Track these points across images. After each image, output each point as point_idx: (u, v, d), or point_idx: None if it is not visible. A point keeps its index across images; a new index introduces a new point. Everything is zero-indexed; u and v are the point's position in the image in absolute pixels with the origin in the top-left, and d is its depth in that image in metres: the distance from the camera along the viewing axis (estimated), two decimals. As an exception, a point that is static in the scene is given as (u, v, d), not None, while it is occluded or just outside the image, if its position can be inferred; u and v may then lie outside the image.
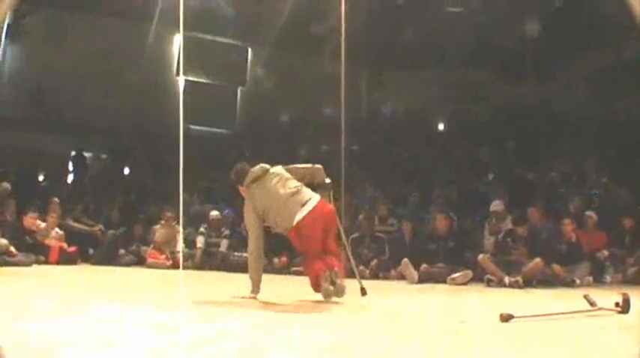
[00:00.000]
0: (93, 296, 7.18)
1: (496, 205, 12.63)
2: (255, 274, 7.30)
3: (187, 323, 4.96)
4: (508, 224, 11.96)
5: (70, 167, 21.57)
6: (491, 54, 21.37)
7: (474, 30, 20.90)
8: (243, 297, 7.16)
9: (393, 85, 25.65)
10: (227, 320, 5.40)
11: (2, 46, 23.21)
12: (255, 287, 7.24)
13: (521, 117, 20.48)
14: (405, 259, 11.60)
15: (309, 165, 7.76)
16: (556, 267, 10.98)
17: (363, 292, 7.39)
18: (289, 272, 12.76)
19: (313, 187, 7.61)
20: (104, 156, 23.10)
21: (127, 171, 22.25)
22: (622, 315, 5.98)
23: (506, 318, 5.43)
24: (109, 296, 7.20)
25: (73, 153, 21.64)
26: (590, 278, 11.30)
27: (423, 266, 11.58)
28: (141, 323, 5.03)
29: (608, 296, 6.63)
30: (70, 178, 21.14)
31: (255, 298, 7.10)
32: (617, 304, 6.14)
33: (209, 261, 13.77)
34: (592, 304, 6.17)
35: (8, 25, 22.69)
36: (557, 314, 5.82)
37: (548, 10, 19.77)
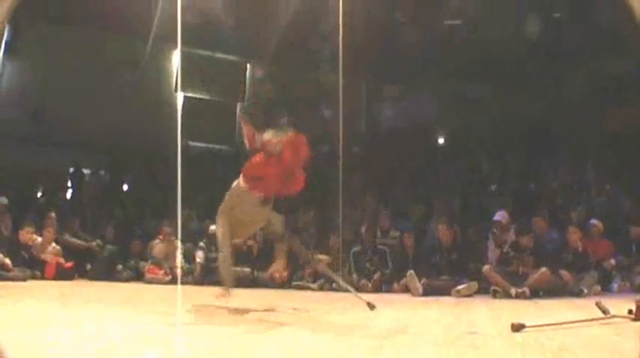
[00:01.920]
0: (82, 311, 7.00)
1: (499, 215, 12.44)
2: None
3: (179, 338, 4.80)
4: (512, 235, 11.79)
5: (68, 183, 21.48)
6: (490, 66, 21.29)
7: (473, 42, 20.82)
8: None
9: (393, 98, 25.60)
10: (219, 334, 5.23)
11: (0, 63, 23.18)
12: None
13: (521, 129, 20.40)
14: (411, 271, 11.42)
15: None
16: (564, 273, 10.80)
17: (371, 306, 7.21)
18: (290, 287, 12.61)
19: None
20: (102, 172, 23.00)
21: (125, 187, 22.15)
22: (636, 323, 5.79)
23: (517, 328, 5.22)
24: (99, 312, 7.01)
25: (71, 169, 21.55)
26: (598, 288, 11.12)
27: (426, 278, 11.40)
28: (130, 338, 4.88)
29: (617, 305, 6.46)
30: (68, 194, 21.05)
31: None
32: (630, 311, 5.98)
33: (209, 275, 13.56)
34: (605, 312, 6.02)
35: (6, 41, 22.69)
36: (571, 322, 5.64)
37: (547, 20, 19.74)
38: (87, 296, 9.42)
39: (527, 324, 5.24)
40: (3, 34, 22.27)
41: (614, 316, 5.94)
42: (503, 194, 15.99)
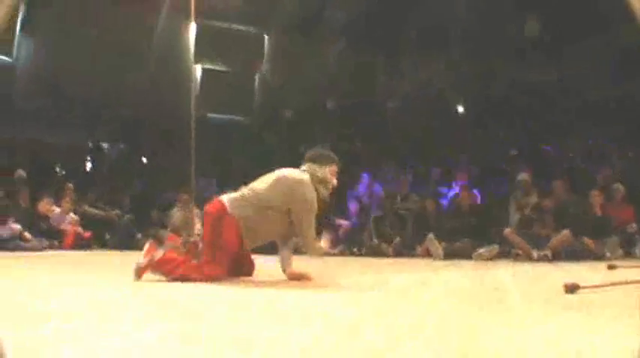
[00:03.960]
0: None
1: (522, 175, 12.32)
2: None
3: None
4: (534, 198, 11.68)
5: (87, 156, 21.51)
6: (507, 34, 21.15)
7: (489, 10, 20.63)
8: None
9: (409, 68, 25.47)
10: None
11: (17, 40, 23.22)
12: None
13: (540, 96, 20.26)
14: (430, 234, 11.34)
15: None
16: (587, 240, 10.66)
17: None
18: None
19: None
20: (121, 145, 23.05)
21: (144, 159, 22.20)
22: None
23: (571, 288, 4.82)
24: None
25: (90, 143, 21.56)
26: (621, 251, 10.98)
27: (447, 242, 11.32)
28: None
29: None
30: (87, 167, 21.09)
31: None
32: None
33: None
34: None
35: (22, 18, 22.75)
36: (629, 283, 5.17)
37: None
38: (101, 264, 9.35)
39: (582, 285, 4.95)
40: (18, 11, 22.38)
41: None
42: (523, 158, 15.89)
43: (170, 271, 5.84)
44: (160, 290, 5.23)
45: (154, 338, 2.84)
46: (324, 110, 21.52)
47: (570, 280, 4.87)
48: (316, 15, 21.21)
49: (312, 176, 6.04)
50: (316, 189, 6.01)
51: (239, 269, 6.23)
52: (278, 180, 5.99)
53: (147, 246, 6.20)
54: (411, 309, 4.08)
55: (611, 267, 5.66)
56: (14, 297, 4.68)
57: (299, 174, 6.07)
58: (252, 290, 5.39)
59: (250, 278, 6.26)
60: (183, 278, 5.69)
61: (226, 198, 6.09)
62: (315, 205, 5.98)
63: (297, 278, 6.00)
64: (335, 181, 6.20)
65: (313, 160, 6.17)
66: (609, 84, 17.78)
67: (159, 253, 6.00)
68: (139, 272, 5.93)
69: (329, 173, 6.13)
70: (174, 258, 6.01)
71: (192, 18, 5.80)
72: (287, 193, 5.90)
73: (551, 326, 3.25)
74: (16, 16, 22.96)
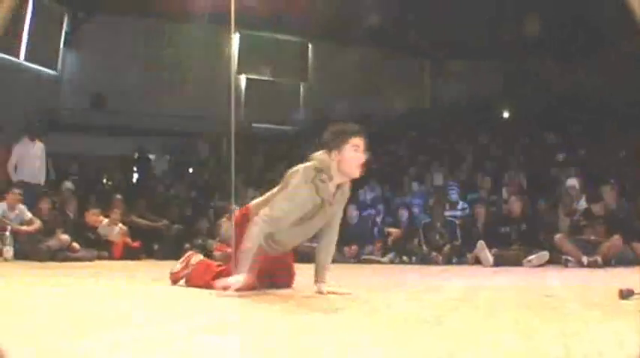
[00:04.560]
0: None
1: (572, 181, 12.28)
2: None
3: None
4: (583, 203, 11.63)
5: (134, 168, 21.70)
6: (550, 40, 21.10)
7: (531, 16, 20.54)
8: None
9: (455, 74, 25.48)
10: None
11: (61, 54, 23.52)
12: None
13: (583, 101, 20.19)
14: (481, 241, 11.36)
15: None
16: (637, 245, 10.57)
17: None
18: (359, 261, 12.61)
19: None
20: (167, 156, 23.26)
21: (190, 169, 22.36)
22: None
23: (626, 294, 4.68)
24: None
25: (136, 155, 21.75)
26: (672, 257, 10.87)
27: (497, 249, 11.38)
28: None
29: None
30: (134, 178, 21.28)
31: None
32: None
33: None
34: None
35: (67, 32, 23.06)
36: None
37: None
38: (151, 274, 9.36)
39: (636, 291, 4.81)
40: (62, 26, 22.66)
41: None
42: (571, 164, 15.80)
43: (201, 278, 5.64)
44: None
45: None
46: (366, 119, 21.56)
47: (624, 286, 4.82)
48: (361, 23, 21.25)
49: (319, 165, 5.28)
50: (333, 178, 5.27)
51: (274, 277, 5.71)
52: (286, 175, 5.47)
53: (187, 253, 6.21)
54: (465, 315, 4.07)
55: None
56: (70, 305, 4.70)
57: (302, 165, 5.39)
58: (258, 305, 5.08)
59: (286, 290, 5.70)
60: (208, 286, 5.32)
61: (252, 203, 5.66)
62: (300, 194, 5.21)
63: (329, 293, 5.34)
64: (359, 156, 5.25)
65: (323, 146, 5.38)
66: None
67: (196, 257, 5.96)
68: (174, 278, 5.96)
69: (349, 150, 5.23)
70: (209, 265, 5.87)
71: (232, 29, 5.71)
72: (285, 178, 5.38)
73: (608, 332, 3.23)
74: (60, 30, 23.30)
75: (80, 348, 2.59)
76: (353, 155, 5.22)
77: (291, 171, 5.42)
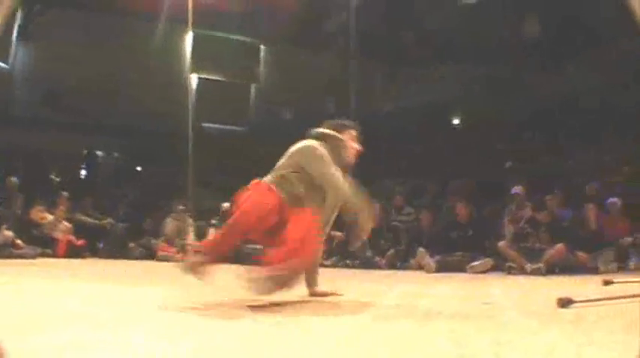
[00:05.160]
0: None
1: (517, 189, 12.36)
2: None
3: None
4: (528, 211, 11.70)
5: (81, 164, 21.53)
6: (506, 46, 21.17)
7: (489, 23, 20.63)
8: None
9: (406, 80, 25.53)
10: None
11: (14, 47, 23.26)
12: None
13: (538, 109, 20.31)
14: (421, 249, 11.43)
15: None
16: (580, 254, 10.68)
17: None
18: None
19: None
20: (115, 154, 23.08)
21: (138, 168, 22.23)
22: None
23: (564, 303, 4.75)
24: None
25: (85, 151, 21.57)
26: (615, 265, 10.97)
27: (440, 255, 11.41)
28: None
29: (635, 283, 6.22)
30: (81, 175, 21.11)
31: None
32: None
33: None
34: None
35: (19, 25, 22.79)
36: (623, 297, 5.07)
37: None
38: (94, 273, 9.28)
39: (575, 299, 4.80)
40: (15, 18, 22.41)
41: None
42: (518, 171, 15.92)
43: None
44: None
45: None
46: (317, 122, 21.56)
47: (564, 294, 4.84)
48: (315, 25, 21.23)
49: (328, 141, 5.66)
50: (337, 153, 5.63)
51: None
52: (290, 151, 5.55)
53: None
54: (400, 324, 4.04)
55: (607, 283, 5.62)
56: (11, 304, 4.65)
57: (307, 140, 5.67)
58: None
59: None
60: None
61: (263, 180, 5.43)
62: (330, 159, 5.47)
63: (321, 295, 5.67)
64: (355, 145, 5.86)
65: (319, 138, 5.73)
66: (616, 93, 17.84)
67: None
68: (195, 268, 5.39)
69: (348, 138, 5.86)
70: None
71: (190, 27, 5.69)
72: (296, 153, 5.48)
73: (542, 342, 3.22)
74: (13, 23, 23.03)
75: (26, 347, 2.55)
76: (351, 143, 5.83)
77: (294, 146, 5.62)
